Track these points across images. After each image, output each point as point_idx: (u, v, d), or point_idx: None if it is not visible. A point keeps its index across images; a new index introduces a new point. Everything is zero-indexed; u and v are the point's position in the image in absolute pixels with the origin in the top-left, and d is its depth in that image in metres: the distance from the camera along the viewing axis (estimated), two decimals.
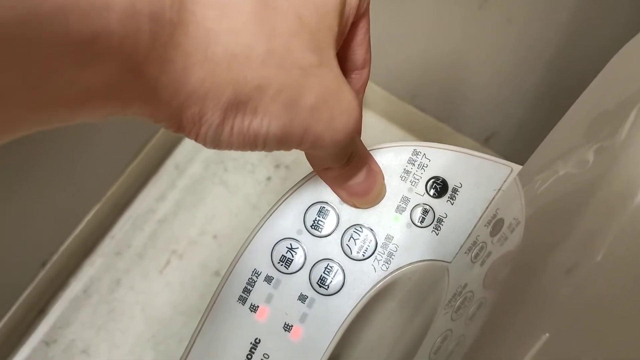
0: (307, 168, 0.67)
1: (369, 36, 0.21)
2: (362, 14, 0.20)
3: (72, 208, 0.63)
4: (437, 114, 0.68)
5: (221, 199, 0.71)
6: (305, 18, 0.17)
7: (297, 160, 0.73)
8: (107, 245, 0.67)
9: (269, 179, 0.72)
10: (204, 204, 0.71)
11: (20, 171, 0.51)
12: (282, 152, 0.73)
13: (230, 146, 0.18)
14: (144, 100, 0.15)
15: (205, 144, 0.17)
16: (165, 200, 0.70)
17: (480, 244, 0.23)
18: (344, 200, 0.25)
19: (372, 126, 0.72)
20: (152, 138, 0.68)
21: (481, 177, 0.24)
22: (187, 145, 0.74)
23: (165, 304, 0.65)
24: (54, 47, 0.11)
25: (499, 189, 0.24)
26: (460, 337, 0.20)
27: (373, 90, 0.69)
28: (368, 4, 0.20)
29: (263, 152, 0.73)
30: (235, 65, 0.15)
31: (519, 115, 0.62)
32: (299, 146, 0.19)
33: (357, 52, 0.22)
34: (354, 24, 0.20)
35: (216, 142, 0.17)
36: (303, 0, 0.17)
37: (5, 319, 0.58)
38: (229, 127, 0.17)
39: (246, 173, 0.72)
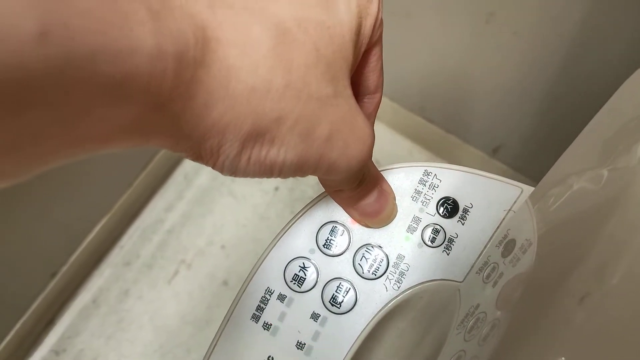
0: (314, 177, 0.67)
1: (382, 62, 0.22)
2: (375, 42, 0.21)
3: (81, 219, 0.64)
4: (445, 125, 0.68)
5: (229, 209, 0.71)
6: (322, 50, 0.17)
7: None
8: (116, 256, 0.68)
9: (276, 189, 0.72)
10: (212, 215, 0.71)
11: (29, 183, 0.52)
12: None
13: (246, 174, 0.18)
14: (166, 134, 0.15)
15: (222, 172, 0.18)
16: (174, 210, 0.71)
17: (492, 265, 0.23)
18: (355, 220, 0.25)
19: (381, 137, 0.73)
20: (160, 150, 0.69)
21: (492, 197, 0.25)
22: None
23: (173, 314, 0.66)
24: (86, 90, 0.11)
25: (510, 209, 0.25)
26: (474, 359, 0.21)
27: (382, 102, 0.69)
28: (381, 32, 0.20)
29: None
30: (255, 99, 0.16)
31: (526, 127, 0.62)
32: (314, 173, 0.19)
33: (370, 78, 0.22)
34: (367, 51, 0.21)
35: (233, 170, 0.18)
36: (320, 32, 0.17)
37: (16, 329, 0.59)
38: (246, 157, 0.17)
39: (254, 183, 0.72)
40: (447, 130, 0.69)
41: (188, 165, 0.74)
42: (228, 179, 0.73)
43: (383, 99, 0.69)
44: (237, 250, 0.69)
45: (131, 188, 0.66)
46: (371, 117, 0.23)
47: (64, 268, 0.61)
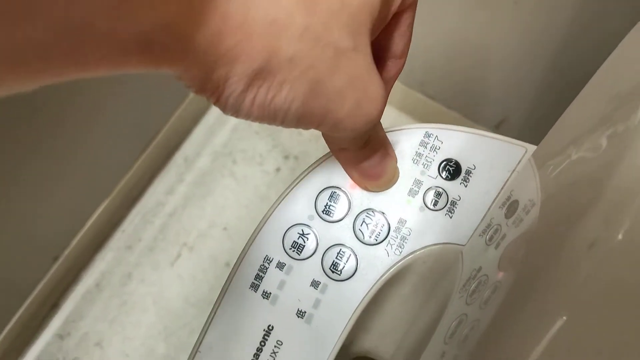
0: (316, 158, 0.67)
1: (412, 28, 0.21)
2: (408, 5, 0.20)
3: (83, 203, 0.63)
4: (446, 101, 0.67)
5: (230, 191, 0.71)
6: None
7: (305, 151, 0.72)
8: (118, 240, 0.68)
9: (278, 169, 0.71)
10: (213, 196, 0.70)
11: (30, 166, 0.52)
12: (291, 143, 0.72)
13: (248, 116, 0.17)
14: (176, 58, 0.14)
15: (224, 110, 0.17)
16: (175, 193, 0.70)
17: (495, 226, 0.23)
18: (355, 181, 0.24)
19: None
20: (160, 131, 0.68)
21: (495, 158, 0.24)
22: (195, 138, 0.73)
23: (177, 296, 0.66)
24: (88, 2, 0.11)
25: (514, 170, 0.24)
26: (475, 322, 0.20)
27: None
28: None
29: (271, 143, 0.73)
30: (273, 33, 0.15)
31: (529, 101, 0.61)
32: (317, 127, 0.19)
33: (398, 42, 0.21)
34: (399, 14, 0.20)
35: (235, 109, 0.17)
36: None
37: (19, 313, 0.59)
38: (251, 96, 0.16)
39: (255, 164, 0.72)
40: (449, 106, 0.68)
41: (188, 147, 0.73)
42: (229, 161, 0.72)
43: None
44: (239, 231, 0.69)
45: (131, 171, 0.66)
46: (391, 82, 0.23)
47: (66, 252, 0.61)
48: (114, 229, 0.68)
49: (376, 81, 0.19)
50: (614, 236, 0.15)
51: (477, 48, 0.59)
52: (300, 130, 0.73)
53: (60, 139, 0.53)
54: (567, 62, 0.52)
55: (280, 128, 0.72)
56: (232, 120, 0.74)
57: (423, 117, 0.72)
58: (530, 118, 0.62)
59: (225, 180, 0.71)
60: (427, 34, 0.60)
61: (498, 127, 0.66)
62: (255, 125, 0.74)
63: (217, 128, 0.74)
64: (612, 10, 0.44)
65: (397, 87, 0.69)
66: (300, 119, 0.18)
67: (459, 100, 0.67)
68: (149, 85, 0.61)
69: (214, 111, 0.75)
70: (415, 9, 0.21)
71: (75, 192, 0.61)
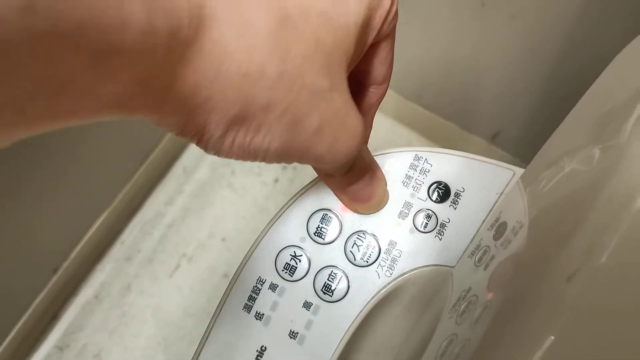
0: (313, 171, 0.67)
1: (392, 55, 0.21)
2: (386, 35, 0.20)
3: (82, 214, 0.64)
4: (442, 112, 0.68)
5: (229, 202, 0.71)
6: (322, 40, 0.17)
7: None
8: (117, 251, 0.68)
9: (276, 180, 0.72)
10: (212, 207, 0.71)
11: (29, 178, 0.52)
12: None
13: (230, 155, 0.18)
14: (152, 109, 0.15)
15: (205, 150, 0.17)
16: (174, 204, 0.71)
17: (484, 248, 0.23)
18: (346, 205, 0.25)
19: (378, 125, 0.72)
20: (159, 143, 0.69)
21: (483, 181, 0.24)
22: (194, 149, 0.74)
23: (176, 307, 0.66)
24: (70, 62, 0.11)
25: (502, 193, 0.24)
26: (466, 341, 0.20)
27: None
28: (394, 26, 0.20)
29: None
30: (246, 84, 0.15)
31: (525, 113, 0.61)
32: (299, 161, 0.19)
33: (378, 69, 0.22)
34: (377, 44, 0.20)
35: (216, 150, 0.17)
36: (322, 22, 0.17)
37: (19, 325, 0.59)
38: (230, 139, 0.17)
39: (253, 175, 0.72)
40: (445, 117, 0.68)
41: (187, 158, 0.74)
42: (228, 172, 0.73)
43: None
44: (237, 242, 0.69)
45: (130, 182, 0.66)
46: (373, 108, 0.23)
47: (66, 264, 0.62)
48: (113, 240, 0.68)
49: (353, 116, 0.19)
50: (595, 264, 0.16)
51: (473, 60, 0.59)
52: None
53: (60, 151, 0.54)
54: (563, 74, 0.52)
55: None
56: None
57: (418, 127, 0.72)
58: (526, 130, 0.62)
59: (224, 192, 0.72)
60: (423, 46, 0.61)
61: (494, 139, 0.66)
62: None
63: None
64: (608, 26, 0.45)
65: (393, 97, 0.70)
66: (281, 157, 0.18)
67: (455, 112, 0.67)
68: None
69: None
70: (394, 37, 0.21)
71: (75, 204, 0.61)
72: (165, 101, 0.15)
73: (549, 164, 0.22)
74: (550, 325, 0.16)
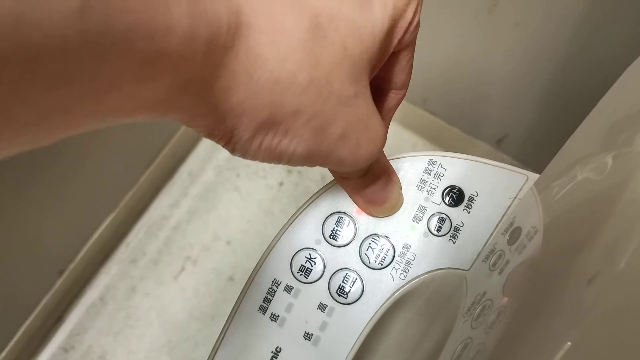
0: (319, 172, 0.67)
1: (412, 62, 0.22)
2: (407, 44, 0.20)
3: (88, 217, 0.64)
4: (448, 117, 0.68)
5: (234, 205, 0.72)
6: (349, 48, 0.17)
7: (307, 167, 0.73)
8: (122, 253, 0.68)
9: (281, 184, 0.72)
10: (216, 210, 0.71)
11: (36, 182, 0.52)
12: None
13: (256, 158, 0.18)
14: (185, 110, 0.15)
15: (232, 152, 0.18)
16: (179, 207, 0.71)
17: (498, 252, 0.23)
18: (360, 207, 0.25)
19: None
20: (165, 146, 0.69)
21: (497, 185, 0.25)
22: (200, 152, 0.74)
23: (180, 309, 0.66)
24: (119, 66, 0.12)
25: (515, 197, 0.24)
26: (480, 345, 0.21)
27: None
28: (415, 36, 0.20)
29: None
30: (277, 90, 0.16)
31: (530, 117, 0.61)
32: (322, 165, 0.20)
33: (399, 75, 0.22)
34: (397, 52, 0.21)
35: (243, 152, 0.18)
36: (350, 31, 0.17)
37: (24, 326, 0.59)
38: (257, 142, 0.17)
39: (258, 179, 0.72)
40: (450, 123, 0.69)
41: (192, 162, 0.74)
42: (233, 175, 0.73)
43: None
44: (242, 245, 0.69)
45: (136, 185, 0.67)
46: (392, 111, 0.24)
47: (72, 266, 0.62)
48: (118, 243, 0.68)
49: (376, 121, 0.20)
50: (615, 268, 0.16)
51: (478, 66, 0.59)
52: None
53: (67, 154, 0.54)
54: (566, 80, 0.53)
55: None
56: None
57: (424, 132, 0.72)
58: (531, 135, 0.63)
59: (229, 195, 0.72)
60: (429, 52, 0.61)
61: (500, 143, 0.67)
62: None
63: None
64: (611, 31, 0.45)
65: (401, 103, 0.70)
66: (305, 161, 0.19)
67: (461, 117, 0.68)
68: None
69: None
70: (414, 46, 0.21)
71: (81, 206, 0.61)
72: (199, 104, 0.15)
73: (563, 171, 0.22)
74: (571, 330, 0.16)
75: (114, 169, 0.64)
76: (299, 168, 0.73)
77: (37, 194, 0.53)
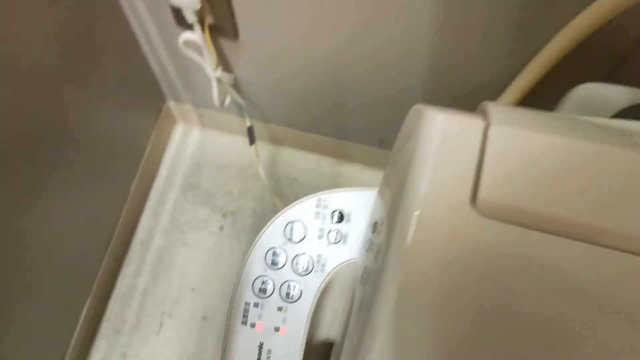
0: (250, 209, 0.82)
1: None
2: None
3: (69, 305, 0.73)
4: (335, 134, 0.81)
5: (188, 258, 0.84)
6: None
7: (238, 206, 0.86)
8: (106, 328, 0.79)
9: (221, 228, 0.85)
10: (175, 267, 0.83)
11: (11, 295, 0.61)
12: (224, 202, 0.83)
13: None
14: None
15: None
16: (142, 274, 0.82)
17: (369, 240, 0.38)
18: None
19: (291, 158, 0.88)
20: (115, 226, 0.79)
21: (363, 202, 0.40)
22: (145, 222, 0.85)
23: (170, 358, 0.78)
24: None
25: (374, 203, 0.40)
26: (365, 298, 0.36)
27: (280, 129, 0.83)
28: None
29: (209, 208, 0.85)
30: None
31: (400, 118, 0.75)
32: None
33: None
34: None
35: None
36: None
37: None
38: None
39: (201, 229, 0.85)
40: (339, 138, 0.82)
41: (141, 232, 0.85)
42: (178, 233, 0.85)
43: (281, 127, 0.82)
44: (205, 287, 0.82)
45: (101, 269, 0.77)
46: None
47: (69, 351, 0.71)
48: (100, 320, 0.79)
49: None
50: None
51: (340, 85, 0.74)
52: (230, 189, 0.86)
53: (38, 255, 0.64)
54: (431, 85, 0.66)
55: (211, 193, 0.85)
56: (171, 199, 0.86)
57: (323, 151, 0.86)
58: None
59: (180, 251, 0.84)
60: (298, 82, 0.74)
61: (382, 143, 0.81)
62: (191, 195, 0.87)
63: (159, 209, 0.86)
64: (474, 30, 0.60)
65: (295, 133, 0.83)
66: None
67: (344, 132, 0.79)
68: (98, 191, 0.73)
69: (153, 197, 0.87)
70: None
71: (57, 299, 0.71)
72: None
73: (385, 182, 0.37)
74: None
75: (79, 258, 0.73)
76: (232, 209, 0.86)
77: (25, 293, 0.62)
